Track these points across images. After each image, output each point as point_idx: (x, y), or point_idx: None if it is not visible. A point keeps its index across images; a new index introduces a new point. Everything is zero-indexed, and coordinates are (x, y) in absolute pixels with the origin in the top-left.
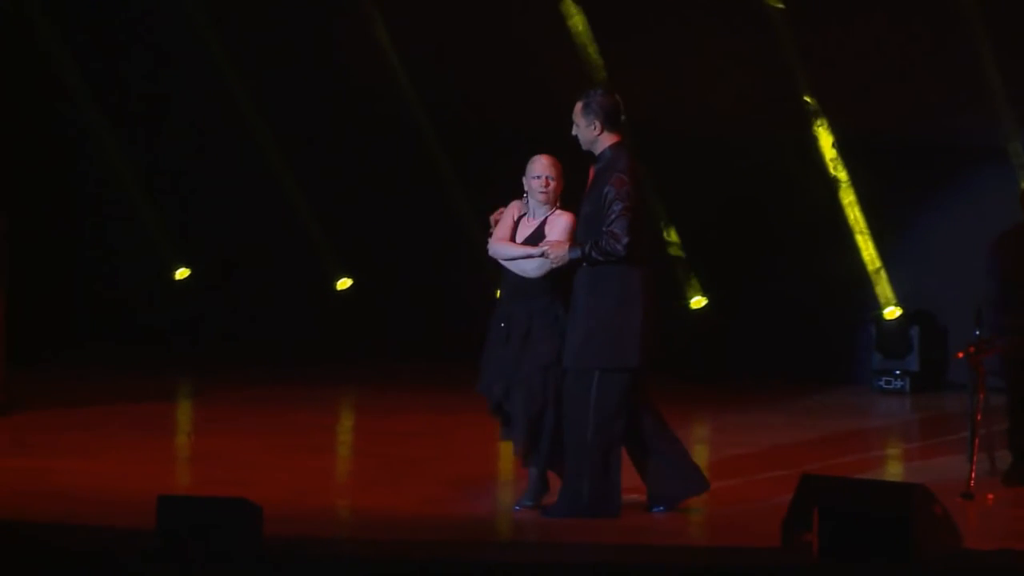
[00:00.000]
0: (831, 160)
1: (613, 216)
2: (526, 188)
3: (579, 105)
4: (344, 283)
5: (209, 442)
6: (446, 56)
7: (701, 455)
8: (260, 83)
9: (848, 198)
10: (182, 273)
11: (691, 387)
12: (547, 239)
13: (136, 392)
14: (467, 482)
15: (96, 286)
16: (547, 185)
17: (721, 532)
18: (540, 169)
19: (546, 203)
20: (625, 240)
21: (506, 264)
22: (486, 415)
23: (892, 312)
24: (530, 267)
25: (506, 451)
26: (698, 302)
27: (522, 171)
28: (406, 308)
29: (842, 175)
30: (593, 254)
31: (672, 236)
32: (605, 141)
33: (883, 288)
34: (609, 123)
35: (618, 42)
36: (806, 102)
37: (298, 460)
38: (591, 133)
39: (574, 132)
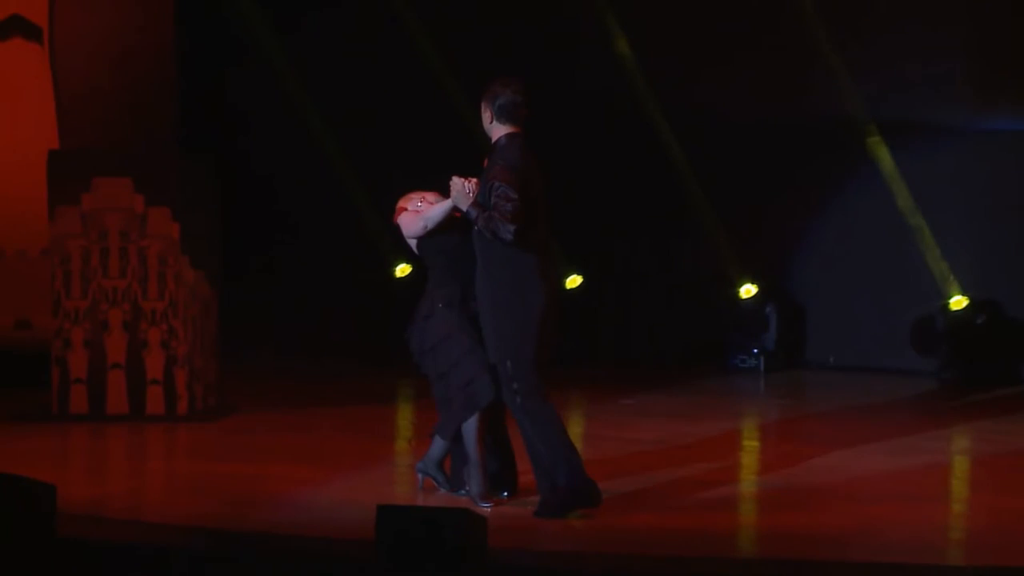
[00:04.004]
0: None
1: (504, 206)
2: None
3: (483, 95)
4: (574, 281)
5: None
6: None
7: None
8: None
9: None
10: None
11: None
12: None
13: (359, 395)
14: (704, 492)
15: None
16: None
17: (979, 550)
18: None
19: None
20: (513, 227)
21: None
22: (727, 422)
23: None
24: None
25: (732, 460)
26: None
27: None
28: (628, 311)
29: None
30: (480, 223)
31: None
32: (497, 131)
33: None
34: (500, 114)
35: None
36: None
37: (522, 467)
38: (485, 122)
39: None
